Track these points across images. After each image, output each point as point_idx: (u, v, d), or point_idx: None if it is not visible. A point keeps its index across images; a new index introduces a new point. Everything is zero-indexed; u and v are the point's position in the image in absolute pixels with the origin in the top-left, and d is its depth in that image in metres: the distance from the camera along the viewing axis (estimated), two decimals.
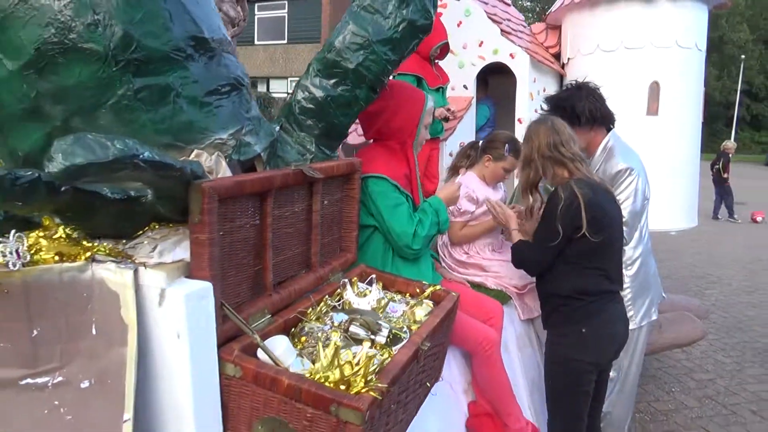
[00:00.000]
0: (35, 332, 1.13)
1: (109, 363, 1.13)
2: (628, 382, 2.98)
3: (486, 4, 4.51)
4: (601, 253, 2.21)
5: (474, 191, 2.81)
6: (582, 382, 2.29)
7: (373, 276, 1.78)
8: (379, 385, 1.21)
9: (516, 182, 3.06)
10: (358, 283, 1.77)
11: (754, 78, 38.36)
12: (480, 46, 4.39)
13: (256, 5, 23.14)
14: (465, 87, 4.51)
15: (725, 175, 11.51)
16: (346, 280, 1.74)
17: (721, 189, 11.77)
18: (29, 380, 1.14)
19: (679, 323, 3.34)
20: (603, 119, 2.81)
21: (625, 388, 2.97)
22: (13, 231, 1.12)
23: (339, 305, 1.67)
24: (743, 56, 33.99)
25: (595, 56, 4.57)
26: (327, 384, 1.20)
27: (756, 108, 40.13)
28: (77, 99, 1.31)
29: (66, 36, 1.27)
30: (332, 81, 1.77)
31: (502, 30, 4.35)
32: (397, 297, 1.81)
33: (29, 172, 1.01)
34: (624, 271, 2.56)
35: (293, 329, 1.50)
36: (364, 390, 1.20)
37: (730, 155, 12.01)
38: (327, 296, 1.66)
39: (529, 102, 4.35)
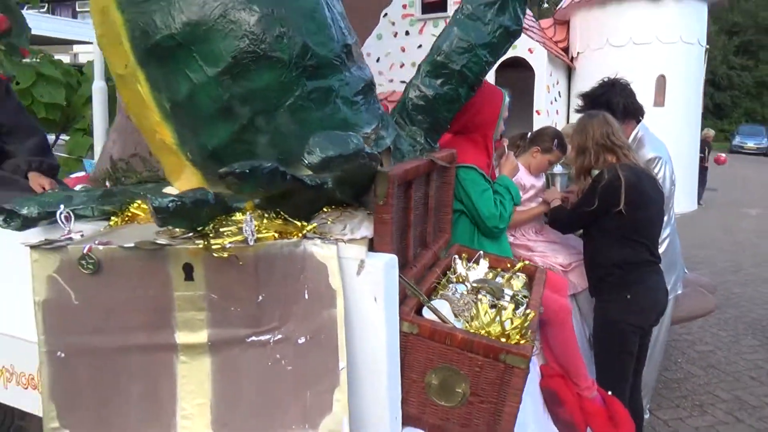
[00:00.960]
0: (260, 297, 1.35)
1: (322, 322, 1.35)
2: (656, 349, 3.30)
3: None
4: (642, 229, 2.54)
5: (522, 179, 3.08)
6: (627, 343, 2.61)
7: (480, 252, 2.04)
8: (532, 337, 1.47)
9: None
10: (466, 259, 2.02)
11: (718, 68, 39.64)
12: None
13: None
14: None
15: (706, 164, 12.10)
16: (456, 256, 1.99)
17: (702, 175, 12.36)
18: (254, 338, 1.36)
19: (694, 297, 3.67)
20: (635, 112, 3.10)
21: (654, 354, 3.29)
22: (248, 213, 1.34)
23: (453, 278, 1.91)
24: (707, 47, 35.09)
25: (604, 51, 4.88)
26: (491, 337, 1.45)
27: (719, 97, 41.46)
28: (262, 101, 1.53)
29: (258, 46, 1.48)
30: (439, 81, 2.01)
31: None
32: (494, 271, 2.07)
33: (269, 164, 1.23)
34: None
35: (431, 296, 1.74)
36: (522, 341, 1.46)
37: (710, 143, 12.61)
38: (446, 270, 1.91)
39: (546, 94, 4.64)
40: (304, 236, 1.38)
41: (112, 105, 4.49)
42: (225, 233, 1.31)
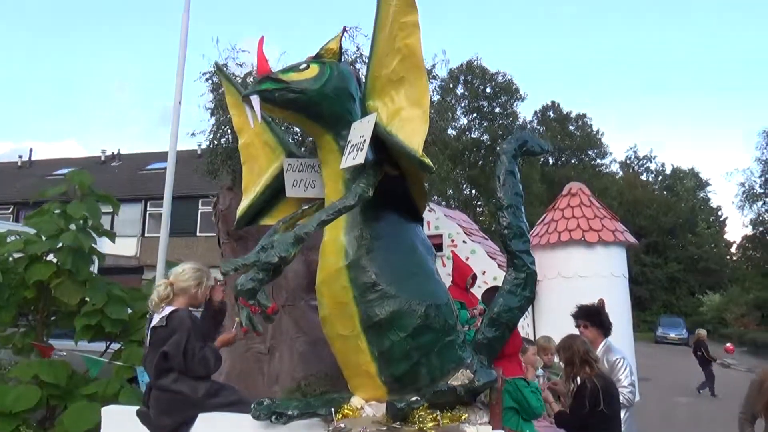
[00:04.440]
0: None
1: None
2: None
3: (484, 243, 6.60)
4: (612, 420, 3.94)
5: None
6: None
7: None
8: None
9: None
10: None
11: (632, 266, 44.16)
12: (483, 274, 6.37)
13: (200, 201, 25.29)
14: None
15: (708, 357, 13.89)
16: None
17: (707, 369, 13.97)
18: None
19: None
20: (609, 328, 4.71)
21: None
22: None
23: None
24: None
25: (557, 280, 6.69)
26: None
27: (638, 291, 45.54)
28: (427, 347, 2.94)
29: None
30: (494, 328, 3.47)
31: (498, 264, 6.39)
32: None
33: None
34: None
35: None
36: None
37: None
38: None
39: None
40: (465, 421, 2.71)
41: None
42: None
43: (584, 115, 50.29)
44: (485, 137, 42.63)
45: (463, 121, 43.24)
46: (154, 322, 3.49)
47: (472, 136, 42.75)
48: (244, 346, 4.81)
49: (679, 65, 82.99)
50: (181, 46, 6.15)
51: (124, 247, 22.90)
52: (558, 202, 11.38)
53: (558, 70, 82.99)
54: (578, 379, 4.04)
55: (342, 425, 2.71)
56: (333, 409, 2.93)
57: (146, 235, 26.77)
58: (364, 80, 3.06)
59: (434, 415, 2.73)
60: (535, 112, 49.62)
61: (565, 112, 49.92)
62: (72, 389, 6.12)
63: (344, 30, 3.62)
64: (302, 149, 3.53)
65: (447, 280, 7.38)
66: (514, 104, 43.85)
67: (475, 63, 42.85)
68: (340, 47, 3.13)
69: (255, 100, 2.88)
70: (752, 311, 38.71)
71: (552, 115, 49.52)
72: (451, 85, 42.31)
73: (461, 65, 42.81)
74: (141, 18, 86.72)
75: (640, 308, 45.64)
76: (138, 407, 3.56)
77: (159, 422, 3.34)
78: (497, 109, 42.97)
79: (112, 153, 32.61)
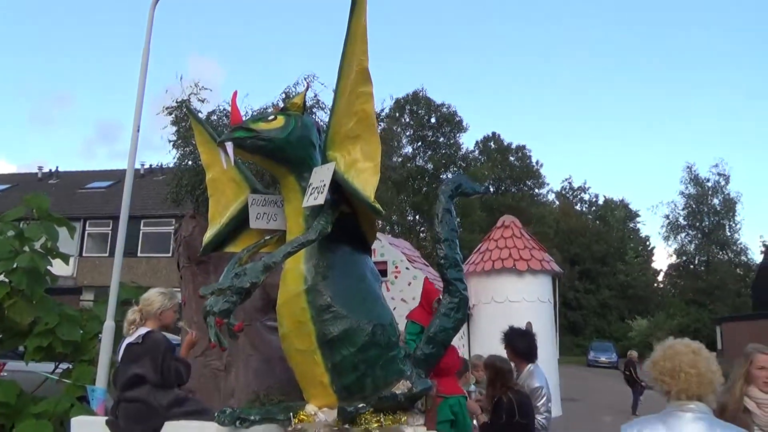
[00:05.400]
0: None
1: None
2: None
3: (425, 269, 7.17)
4: (526, 429, 4.51)
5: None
6: None
7: None
8: None
9: None
10: None
11: (567, 292, 46.05)
12: None
13: (142, 221, 25.02)
14: None
15: (636, 378, 14.39)
16: None
17: (634, 388, 14.59)
18: None
19: None
20: (535, 353, 5.28)
21: None
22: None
23: None
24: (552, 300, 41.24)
25: (491, 305, 7.35)
26: None
27: (572, 316, 47.47)
28: (371, 362, 3.45)
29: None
30: (431, 346, 3.99)
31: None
32: None
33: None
34: None
35: None
36: None
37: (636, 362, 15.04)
38: None
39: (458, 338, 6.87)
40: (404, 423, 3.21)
41: (117, 341, 5.81)
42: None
43: (524, 147, 52.49)
44: (429, 165, 43.84)
45: (408, 149, 44.36)
46: (129, 340, 3.85)
47: (417, 164, 43.86)
48: (202, 363, 5.15)
49: (614, 98, 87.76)
50: (141, 74, 6.49)
51: (61, 267, 22.34)
52: (492, 233, 12.50)
53: (500, 102, 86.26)
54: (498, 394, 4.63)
55: (299, 427, 3.16)
56: (291, 415, 3.38)
57: (84, 254, 26.14)
58: (324, 134, 3.59)
59: (378, 418, 3.22)
60: (477, 142, 51.43)
61: (505, 143, 51.91)
62: (21, 408, 6.23)
63: (307, 87, 4.14)
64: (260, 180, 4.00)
65: (392, 303, 7.94)
66: (457, 135, 45.36)
67: (421, 94, 44.24)
68: (304, 102, 3.65)
69: (229, 146, 3.36)
70: (676, 336, 40.88)
71: (493, 145, 51.40)
72: (397, 114, 43.46)
73: (407, 95, 44.12)
74: (68, 21, 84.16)
75: (574, 333, 47.57)
76: (107, 417, 3.89)
77: (129, 430, 3.69)
78: (441, 139, 44.31)
79: (50, 170, 31.74)
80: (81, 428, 3.91)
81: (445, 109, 44.44)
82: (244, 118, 3.53)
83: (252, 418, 3.30)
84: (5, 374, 7.07)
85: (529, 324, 6.94)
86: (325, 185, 3.26)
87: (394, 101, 42.04)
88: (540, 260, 11.02)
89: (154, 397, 3.72)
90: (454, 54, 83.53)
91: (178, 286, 6.41)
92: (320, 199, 3.25)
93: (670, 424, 2.46)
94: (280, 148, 3.48)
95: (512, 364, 4.70)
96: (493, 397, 4.64)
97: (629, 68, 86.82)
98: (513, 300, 8.34)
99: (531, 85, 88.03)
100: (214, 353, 5.19)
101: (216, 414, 3.49)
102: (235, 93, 3.56)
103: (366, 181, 3.20)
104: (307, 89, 3.89)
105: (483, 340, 9.17)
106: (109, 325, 5.37)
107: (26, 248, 6.74)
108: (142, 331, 3.82)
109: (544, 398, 4.98)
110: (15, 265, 6.45)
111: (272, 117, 3.53)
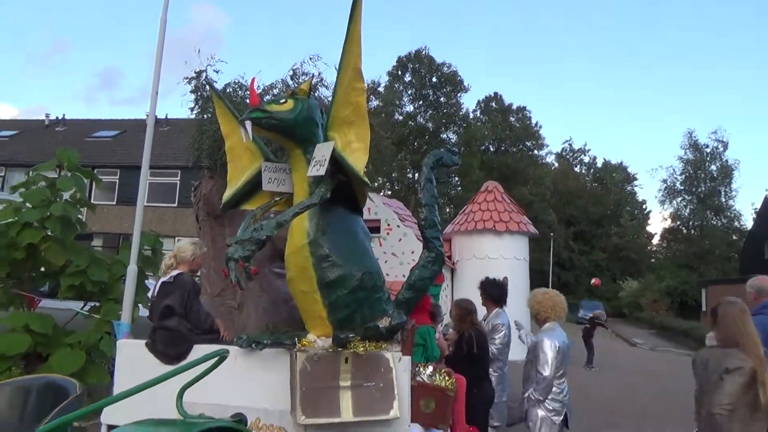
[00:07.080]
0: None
1: (387, 378, 4.02)
2: None
3: (414, 228, 8.01)
4: (481, 361, 5.42)
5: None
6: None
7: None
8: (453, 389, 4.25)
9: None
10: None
11: (561, 252, 47.05)
12: (412, 253, 7.80)
13: (150, 171, 25.67)
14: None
15: (592, 334, 15.72)
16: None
17: (589, 344, 15.63)
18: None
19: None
20: (504, 299, 6.17)
21: None
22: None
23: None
24: (552, 234, 42.27)
25: (472, 261, 8.25)
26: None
27: (564, 276, 48.62)
28: (361, 300, 4.32)
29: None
30: (411, 291, 4.85)
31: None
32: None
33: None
34: None
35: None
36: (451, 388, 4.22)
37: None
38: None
39: (443, 285, 7.76)
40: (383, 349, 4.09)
41: (139, 283, 6.55)
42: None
43: (524, 108, 52.67)
44: (430, 125, 44.24)
45: (410, 107, 44.67)
46: (163, 279, 4.72)
47: (418, 122, 44.28)
48: (219, 302, 6.03)
49: (617, 61, 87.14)
50: (159, 43, 7.08)
51: None
52: (477, 196, 13.76)
53: (502, 63, 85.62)
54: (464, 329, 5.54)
55: (303, 349, 4.04)
56: (296, 340, 4.25)
57: (92, 202, 26.86)
58: (325, 117, 4.35)
59: (364, 345, 4.09)
60: (478, 102, 51.58)
61: (506, 104, 52.06)
62: (57, 338, 7.14)
63: (312, 77, 4.89)
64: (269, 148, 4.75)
65: (384, 256, 8.78)
66: (458, 95, 45.56)
67: (423, 53, 44.26)
68: (310, 88, 4.40)
69: (248, 124, 4.13)
70: (664, 297, 42.20)
71: (494, 105, 51.58)
72: (399, 72, 43.58)
73: (410, 53, 44.15)
74: None
75: (565, 292, 48.75)
76: (146, 341, 4.77)
77: (165, 351, 4.58)
78: (442, 99, 44.56)
79: (57, 117, 32.04)
80: (126, 349, 4.80)
81: (446, 69, 44.55)
82: (260, 101, 4.30)
83: (264, 341, 4.18)
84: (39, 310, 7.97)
85: (505, 278, 7.80)
86: (325, 159, 4.04)
87: (396, 58, 42.04)
88: (518, 222, 12.21)
89: (183, 326, 4.60)
90: (457, 12, 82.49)
91: (183, 235, 7.18)
92: (321, 171, 4.04)
93: (556, 333, 4.31)
94: (289, 126, 4.25)
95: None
96: (459, 332, 5.57)
97: (635, 31, 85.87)
98: (492, 257, 9.61)
99: (535, 46, 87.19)
100: (228, 293, 6.06)
101: (234, 339, 4.38)
102: (253, 79, 4.31)
103: (358, 159, 3.99)
104: (312, 78, 4.64)
105: (465, 291, 10.21)
106: (132, 268, 5.86)
107: (57, 198, 7.53)
108: (175, 272, 4.68)
109: (502, 333, 5.92)
110: (49, 213, 7.19)
111: (283, 100, 4.28)
